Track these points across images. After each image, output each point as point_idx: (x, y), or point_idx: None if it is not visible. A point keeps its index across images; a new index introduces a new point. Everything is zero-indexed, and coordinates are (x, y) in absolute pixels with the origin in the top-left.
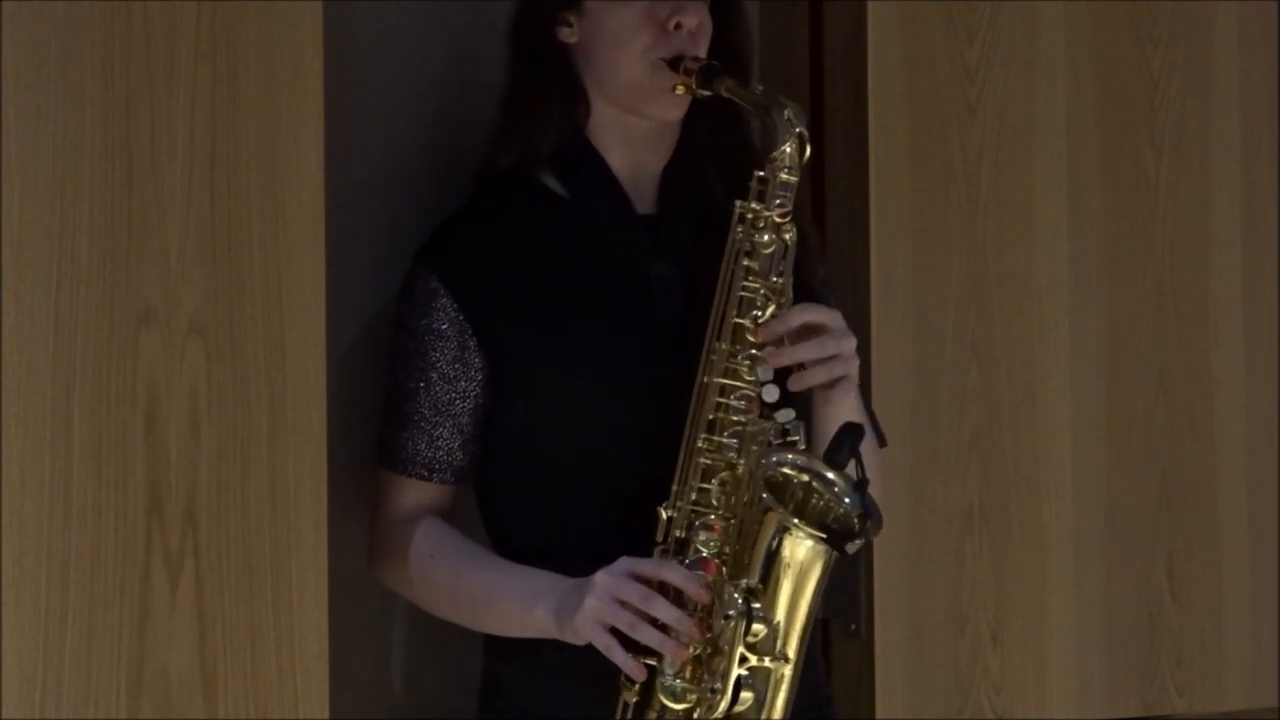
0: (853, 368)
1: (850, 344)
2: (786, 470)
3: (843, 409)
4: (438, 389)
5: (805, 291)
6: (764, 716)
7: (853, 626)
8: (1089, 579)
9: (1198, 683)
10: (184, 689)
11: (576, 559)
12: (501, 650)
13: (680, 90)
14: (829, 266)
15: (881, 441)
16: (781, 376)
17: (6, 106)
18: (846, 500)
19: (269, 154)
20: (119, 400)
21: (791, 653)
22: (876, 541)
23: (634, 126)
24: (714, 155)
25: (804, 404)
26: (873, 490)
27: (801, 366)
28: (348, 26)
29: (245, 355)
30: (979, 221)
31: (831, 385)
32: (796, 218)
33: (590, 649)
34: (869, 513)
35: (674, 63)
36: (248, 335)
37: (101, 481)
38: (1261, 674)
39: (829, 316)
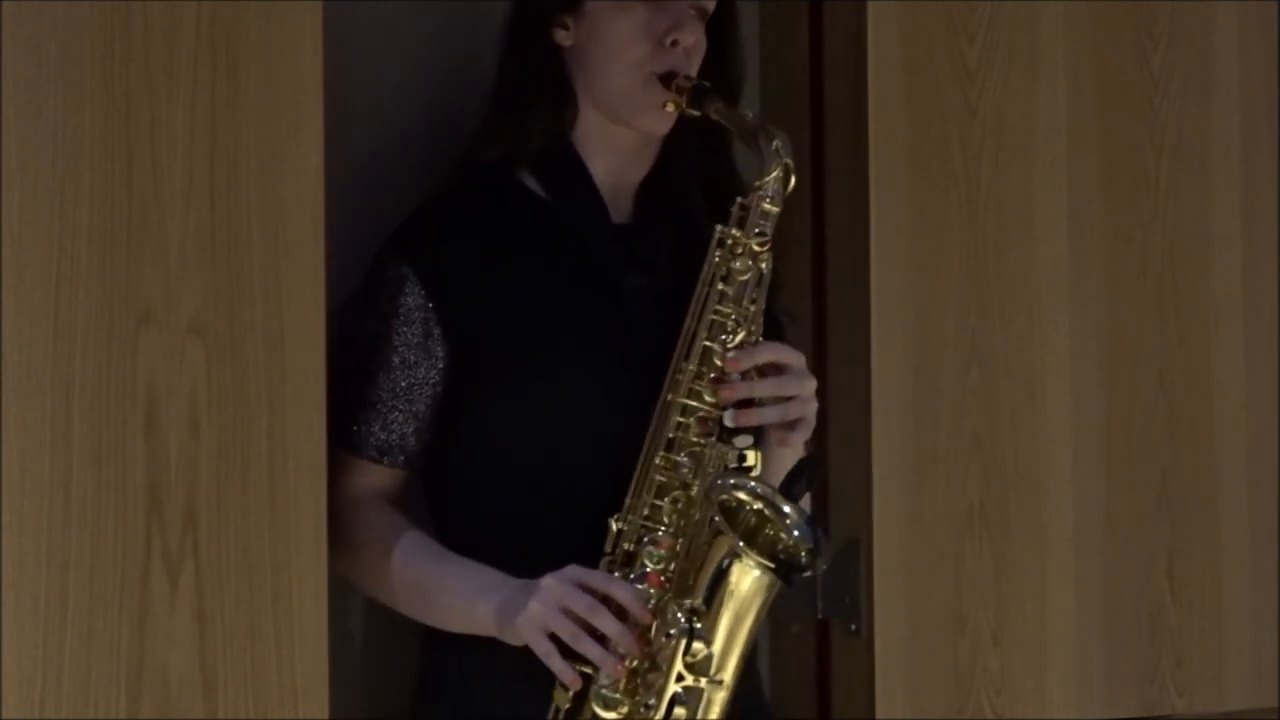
0: (810, 410)
1: (810, 386)
2: (742, 495)
3: (796, 451)
4: (397, 374)
5: (765, 317)
6: None
7: (853, 626)
8: (1089, 579)
9: (1198, 683)
10: (184, 689)
11: (524, 558)
12: (442, 645)
13: (670, 107)
14: (823, 270)
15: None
16: None
17: (6, 106)
18: (796, 533)
19: (269, 154)
20: (119, 400)
21: (727, 677)
22: (876, 541)
23: (619, 135)
24: (698, 170)
25: (762, 432)
26: None
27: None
28: (348, 26)
29: (245, 355)
30: (979, 221)
31: (789, 427)
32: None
33: (526, 653)
34: (819, 549)
35: (666, 78)
36: (248, 335)
37: (101, 481)
38: (1261, 674)
39: (793, 357)
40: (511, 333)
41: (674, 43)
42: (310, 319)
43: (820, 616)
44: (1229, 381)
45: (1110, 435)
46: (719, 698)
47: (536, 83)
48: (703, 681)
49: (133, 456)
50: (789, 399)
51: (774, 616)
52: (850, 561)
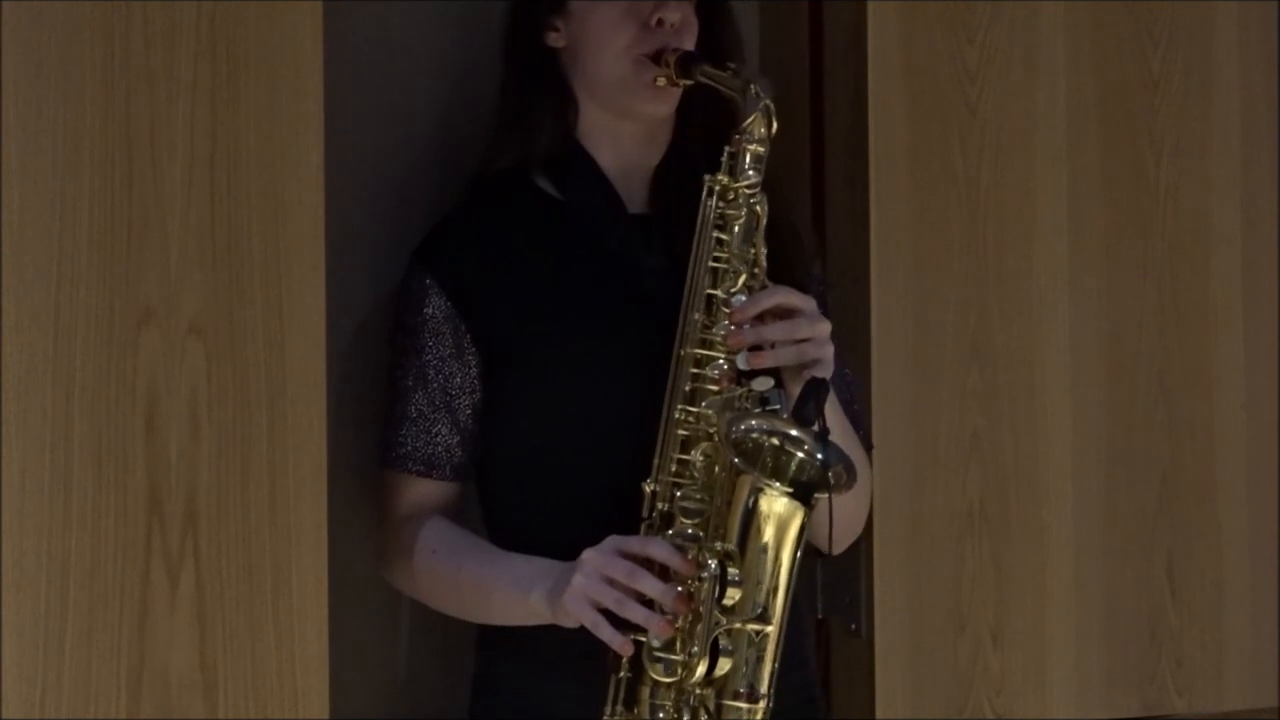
0: (827, 352)
1: (824, 328)
2: (754, 435)
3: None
4: (433, 386)
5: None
6: (747, 682)
7: (853, 626)
8: (1089, 579)
9: (1198, 683)
10: (184, 689)
11: (574, 546)
12: (493, 644)
13: (661, 82)
14: (824, 264)
15: (868, 445)
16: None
17: (6, 106)
18: (818, 456)
19: (269, 154)
20: (119, 400)
21: (776, 614)
22: (876, 541)
23: (623, 126)
24: (709, 154)
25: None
26: (860, 492)
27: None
28: (348, 26)
29: (245, 355)
30: (979, 221)
31: (805, 367)
32: (790, 219)
33: (581, 640)
34: (830, 462)
35: (656, 57)
36: (248, 335)
37: (101, 482)
38: (1261, 674)
39: (802, 300)
40: (539, 333)
41: (659, 22)
42: (310, 319)
43: (820, 616)
44: (1229, 381)
45: (1110, 435)
46: (770, 633)
47: (536, 87)
48: (746, 625)
49: (133, 456)
50: (804, 341)
51: None
52: (850, 561)
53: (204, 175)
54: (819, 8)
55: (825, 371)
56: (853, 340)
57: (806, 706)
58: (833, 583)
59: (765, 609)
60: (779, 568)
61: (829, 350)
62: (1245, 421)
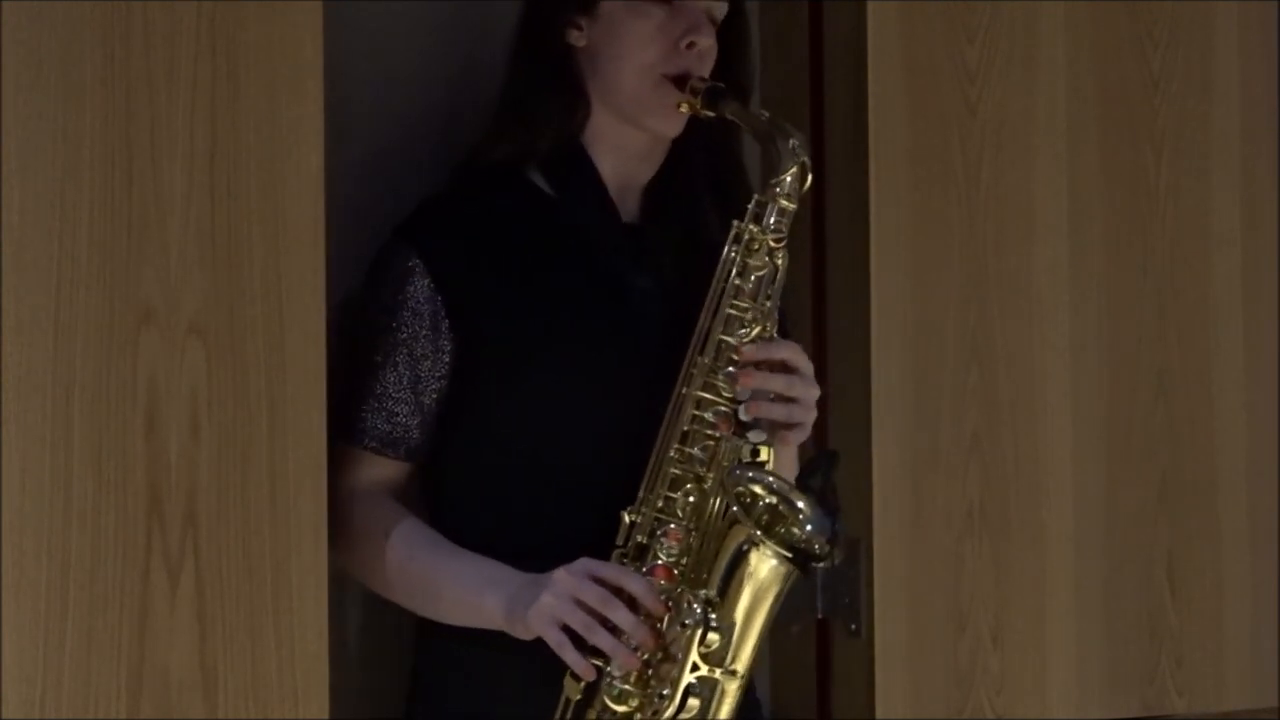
0: (809, 418)
1: (814, 394)
2: (757, 489)
3: (789, 451)
4: (404, 367)
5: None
6: None
7: (853, 626)
8: (1089, 579)
9: (1198, 683)
10: (184, 689)
11: (528, 554)
12: (435, 644)
13: (684, 108)
14: (824, 264)
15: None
16: None
17: (6, 106)
18: (809, 528)
19: (269, 154)
20: (119, 400)
21: (740, 667)
22: (876, 541)
23: (628, 136)
24: (706, 172)
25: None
26: None
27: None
28: (348, 26)
29: (245, 355)
30: (979, 221)
31: (787, 428)
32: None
33: (531, 648)
34: (835, 540)
35: (680, 80)
36: (248, 335)
37: (101, 481)
38: (1261, 674)
39: (805, 363)
40: (518, 328)
41: (689, 45)
42: (310, 319)
43: (820, 616)
44: (1229, 381)
45: (1110, 435)
46: (733, 688)
47: (549, 83)
48: (717, 672)
49: (133, 456)
50: (794, 400)
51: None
52: (850, 561)
53: (204, 175)
54: (819, 8)
55: (802, 436)
56: (853, 340)
57: (750, 710)
58: (833, 583)
59: (735, 659)
60: (755, 622)
61: (811, 417)
62: (1245, 421)
